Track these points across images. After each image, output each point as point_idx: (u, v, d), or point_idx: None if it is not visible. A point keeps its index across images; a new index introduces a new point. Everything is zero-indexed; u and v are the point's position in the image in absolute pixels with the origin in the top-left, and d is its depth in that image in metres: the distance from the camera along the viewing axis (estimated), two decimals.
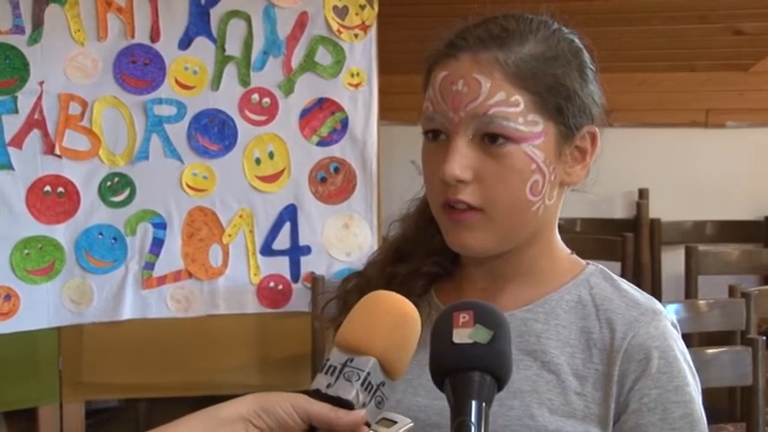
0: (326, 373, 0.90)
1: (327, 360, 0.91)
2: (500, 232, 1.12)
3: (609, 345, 1.12)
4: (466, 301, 0.94)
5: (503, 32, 1.10)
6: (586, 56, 1.16)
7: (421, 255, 1.21)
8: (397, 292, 1.14)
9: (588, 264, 1.20)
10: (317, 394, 0.89)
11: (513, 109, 1.08)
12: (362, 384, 0.88)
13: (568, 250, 1.21)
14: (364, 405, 0.88)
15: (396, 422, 0.92)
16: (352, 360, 0.89)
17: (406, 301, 0.95)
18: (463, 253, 1.17)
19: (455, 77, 1.09)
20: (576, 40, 1.16)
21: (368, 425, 0.89)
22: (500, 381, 0.88)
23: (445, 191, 1.10)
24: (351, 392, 0.88)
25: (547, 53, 1.10)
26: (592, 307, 1.15)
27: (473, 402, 0.85)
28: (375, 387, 0.89)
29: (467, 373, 0.87)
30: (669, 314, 1.16)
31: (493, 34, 1.10)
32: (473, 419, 0.84)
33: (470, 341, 0.88)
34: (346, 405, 0.88)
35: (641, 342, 1.11)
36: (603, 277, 1.18)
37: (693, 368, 1.14)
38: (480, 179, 1.09)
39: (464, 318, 0.89)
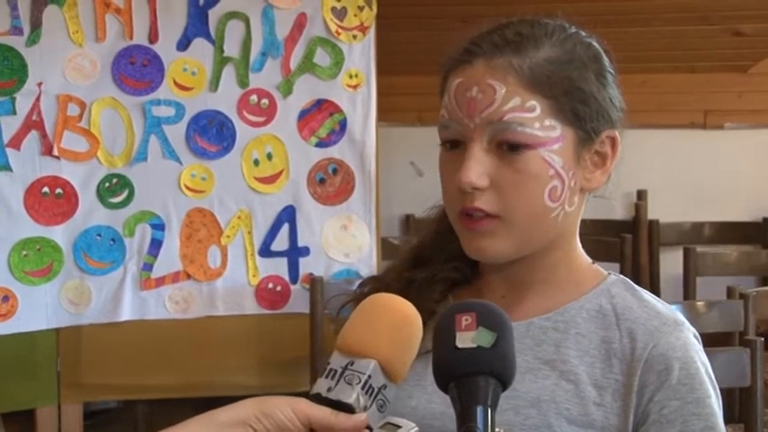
0: (327, 376, 0.89)
1: (328, 364, 0.90)
2: (518, 238, 1.11)
3: (629, 355, 1.10)
4: (468, 301, 0.93)
5: (517, 37, 1.09)
6: (605, 59, 1.15)
7: (440, 260, 1.20)
8: (415, 297, 1.12)
9: (610, 273, 1.19)
10: (317, 398, 0.88)
11: (529, 114, 1.07)
12: (363, 388, 0.88)
13: (590, 259, 1.20)
14: (365, 408, 0.88)
15: (400, 427, 0.91)
16: (352, 363, 0.89)
17: (407, 303, 0.94)
18: (480, 259, 1.16)
19: (470, 84, 1.08)
20: (594, 44, 1.15)
21: (369, 429, 0.89)
22: (504, 382, 0.88)
23: (462, 199, 1.09)
24: (351, 396, 0.87)
25: (562, 57, 1.09)
26: (613, 317, 1.13)
27: (479, 408, 0.85)
28: (376, 390, 0.89)
29: (471, 378, 0.87)
30: (690, 326, 1.15)
31: (507, 39, 1.09)
32: (479, 425, 0.84)
33: (474, 345, 0.87)
34: (347, 409, 0.87)
35: (662, 352, 1.09)
36: (625, 287, 1.17)
37: (715, 380, 1.12)
38: (497, 186, 1.08)
39: (466, 320, 0.89)
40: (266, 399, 0.89)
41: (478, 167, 1.07)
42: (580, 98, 1.09)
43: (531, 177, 1.08)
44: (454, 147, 1.11)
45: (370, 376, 0.88)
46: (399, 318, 0.92)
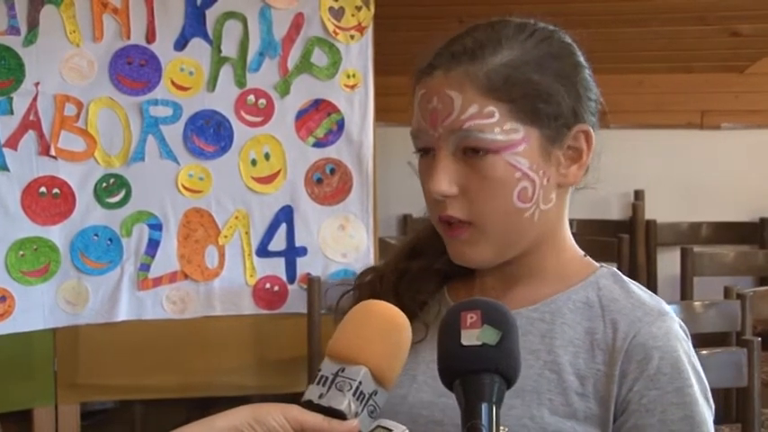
0: (318, 383, 0.90)
1: (319, 370, 0.91)
2: (496, 243, 1.13)
3: (611, 345, 1.11)
4: (473, 299, 0.94)
5: (475, 44, 1.11)
6: (575, 55, 1.15)
7: (434, 253, 1.22)
8: (409, 288, 1.19)
9: (601, 266, 1.20)
10: (309, 405, 0.89)
11: (488, 120, 1.08)
12: (354, 394, 0.88)
13: (581, 252, 1.21)
14: (357, 415, 0.89)
15: (391, 430, 0.92)
16: (343, 370, 0.90)
17: (397, 309, 0.95)
18: (464, 265, 1.17)
19: (430, 95, 1.11)
20: (562, 40, 1.15)
21: None
22: (509, 380, 0.89)
23: (438, 206, 1.12)
24: (343, 402, 0.88)
25: (521, 58, 1.10)
26: (598, 308, 1.15)
27: (484, 405, 0.86)
28: (367, 396, 0.89)
29: (476, 375, 0.87)
30: (676, 316, 1.15)
31: (466, 47, 1.11)
32: (484, 422, 0.85)
33: (479, 343, 0.88)
34: (339, 415, 0.88)
35: (642, 342, 1.10)
36: (614, 279, 1.18)
37: (700, 370, 1.13)
38: (466, 192, 1.10)
39: (472, 318, 0.89)
40: (260, 406, 0.90)
41: (446, 176, 1.10)
42: (542, 98, 1.10)
43: (498, 182, 1.09)
44: (425, 153, 1.14)
45: (360, 383, 0.89)
46: (389, 325, 0.93)
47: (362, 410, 0.89)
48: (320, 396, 0.89)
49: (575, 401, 1.10)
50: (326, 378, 0.90)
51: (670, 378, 1.09)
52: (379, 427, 0.91)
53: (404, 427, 0.92)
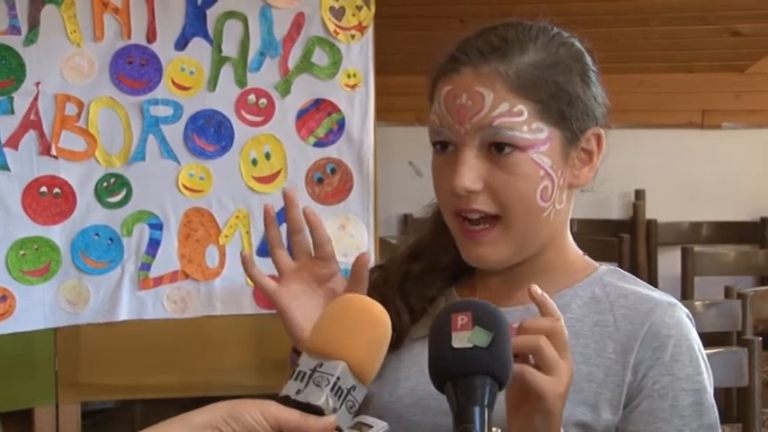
0: (296, 378, 0.89)
1: (297, 365, 0.90)
2: (516, 242, 1.14)
3: (624, 336, 1.14)
4: (464, 300, 0.94)
5: (502, 43, 1.12)
6: (588, 58, 1.17)
7: (438, 253, 1.23)
8: (415, 286, 1.20)
9: (601, 264, 1.23)
10: (286, 401, 0.88)
11: (517, 118, 1.10)
12: (332, 389, 0.87)
13: (581, 251, 1.24)
14: (335, 410, 0.87)
15: (371, 426, 0.91)
16: (321, 365, 0.88)
17: (376, 303, 0.94)
18: (479, 266, 1.19)
19: (458, 91, 1.12)
20: (577, 44, 1.17)
21: (339, 430, 0.88)
22: (501, 382, 0.89)
23: (457, 201, 1.13)
24: (320, 398, 0.87)
25: (547, 60, 1.12)
26: (606, 303, 1.17)
27: (476, 409, 0.86)
28: (345, 392, 0.88)
29: (468, 378, 0.87)
30: (683, 306, 1.19)
31: (493, 46, 1.12)
32: (476, 426, 0.84)
33: (470, 345, 0.88)
34: (316, 411, 0.87)
35: (657, 331, 1.13)
36: (617, 276, 1.21)
37: (706, 359, 1.16)
38: (491, 188, 1.11)
39: (462, 320, 0.89)
40: (237, 402, 0.89)
41: (472, 172, 1.10)
42: (566, 100, 1.12)
43: (523, 178, 1.11)
44: (444, 148, 1.14)
45: (338, 378, 0.88)
46: (368, 319, 0.92)
47: (341, 406, 0.88)
48: (297, 392, 0.88)
49: (584, 388, 1.12)
50: (304, 373, 0.89)
51: (682, 365, 1.13)
52: (359, 423, 0.90)
53: (384, 424, 0.91)
